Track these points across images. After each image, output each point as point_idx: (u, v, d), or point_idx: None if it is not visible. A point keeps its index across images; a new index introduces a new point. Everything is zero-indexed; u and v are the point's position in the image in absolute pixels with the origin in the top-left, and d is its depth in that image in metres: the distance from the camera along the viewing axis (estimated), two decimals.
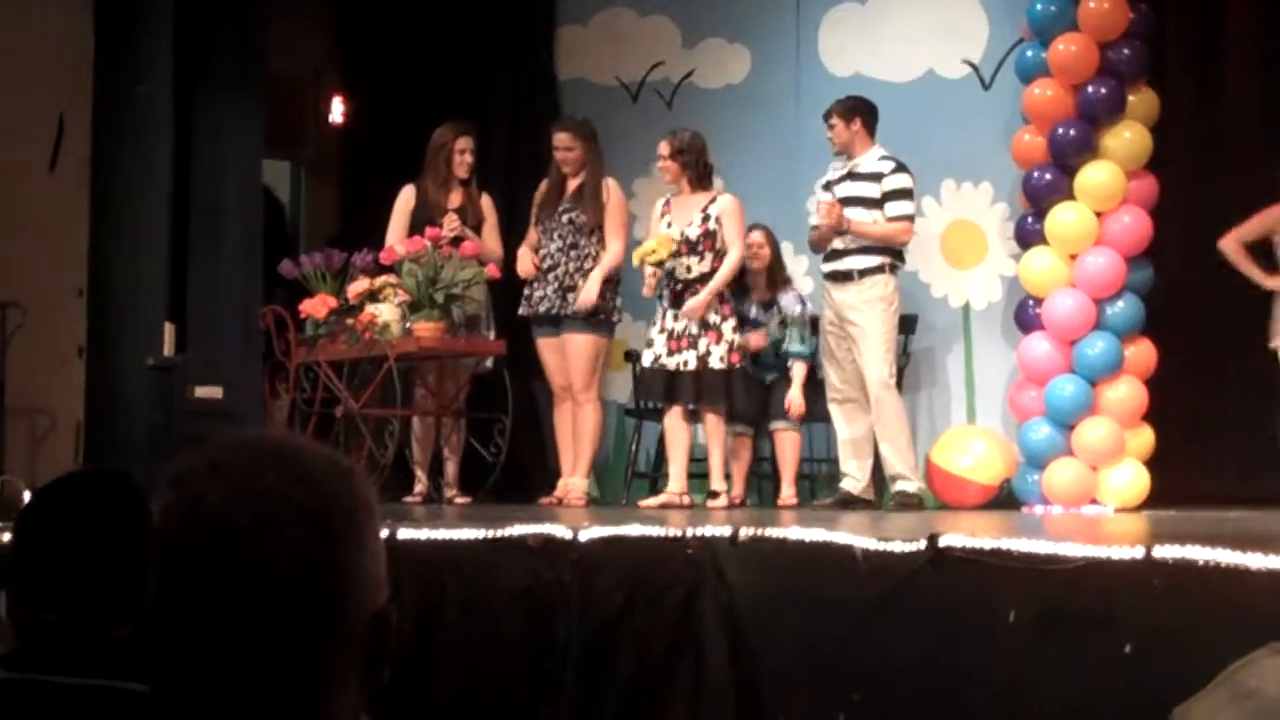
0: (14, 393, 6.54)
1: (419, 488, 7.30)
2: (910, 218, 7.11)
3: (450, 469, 7.37)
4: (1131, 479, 7.09)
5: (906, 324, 7.44)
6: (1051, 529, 5.44)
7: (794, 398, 7.20)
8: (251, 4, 7.58)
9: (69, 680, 1.99)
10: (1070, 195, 7.21)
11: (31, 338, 6.55)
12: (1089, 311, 7.13)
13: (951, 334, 7.96)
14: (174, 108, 7.13)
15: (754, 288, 7.37)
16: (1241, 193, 7.21)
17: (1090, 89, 7.17)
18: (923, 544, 3.94)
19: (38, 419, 6.76)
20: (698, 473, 7.10)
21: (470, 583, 4.28)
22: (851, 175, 7.12)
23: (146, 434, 6.55)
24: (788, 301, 7.38)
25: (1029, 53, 7.46)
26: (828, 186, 7.21)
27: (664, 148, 7.07)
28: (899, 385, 7.19)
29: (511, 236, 7.59)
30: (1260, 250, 6.96)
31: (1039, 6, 7.33)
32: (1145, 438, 7.19)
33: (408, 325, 6.96)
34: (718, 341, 6.88)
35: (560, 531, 4.33)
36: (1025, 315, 7.39)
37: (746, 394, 7.00)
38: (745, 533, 4.26)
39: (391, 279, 7.04)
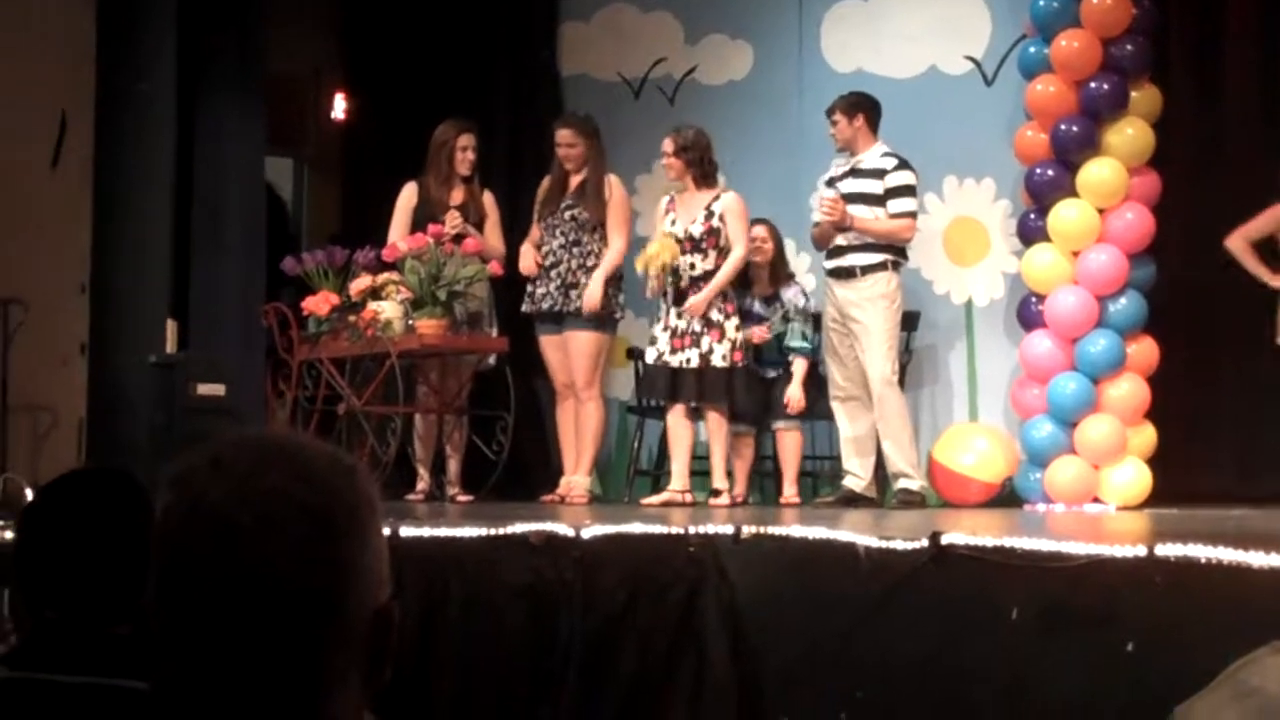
0: (16, 390, 6.54)
1: (421, 485, 7.30)
2: (913, 214, 7.10)
3: (452, 467, 7.37)
4: (1133, 477, 7.09)
5: (909, 321, 7.43)
6: (1054, 527, 5.44)
7: (793, 393, 7.20)
8: (253, 2, 7.58)
9: (70, 679, 1.99)
10: (1072, 192, 7.20)
11: (34, 335, 6.55)
12: (1091, 309, 7.13)
13: (954, 331, 7.96)
14: (176, 106, 7.13)
15: (757, 282, 7.37)
16: (1243, 190, 7.21)
17: (1093, 85, 7.17)
18: (925, 542, 3.94)
19: (40, 417, 6.76)
20: (700, 470, 7.10)
21: (472, 580, 4.28)
22: (854, 172, 7.12)
23: (149, 432, 6.55)
24: (790, 296, 7.37)
25: (1031, 49, 7.46)
26: (830, 183, 7.21)
27: (668, 145, 7.07)
28: (901, 382, 7.19)
29: (514, 233, 7.59)
30: (1266, 248, 6.94)
31: (1041, 2, 7.33)
32: (1147, 436, 7.19)
33: (410, 322, 6.96)
34: (720, 340, 6.88)
35: (562, 529, 4.33)
36: (1027, 312, 7.39)
37: (748, 392, 7.00)
38: (747, 530, 4.26)
39: (394, 276, 7.04)
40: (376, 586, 1.26)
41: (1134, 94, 7.22)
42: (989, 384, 7.84)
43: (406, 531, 4.39)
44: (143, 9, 7.04)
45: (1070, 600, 3.71)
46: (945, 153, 7.81)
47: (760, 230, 7.32)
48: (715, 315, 6.91)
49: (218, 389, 6.61)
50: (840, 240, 7.06)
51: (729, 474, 7.06)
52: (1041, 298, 7.28)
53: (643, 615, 4.15)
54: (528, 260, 7.33)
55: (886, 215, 7.03)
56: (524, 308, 7.35)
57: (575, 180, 7.26)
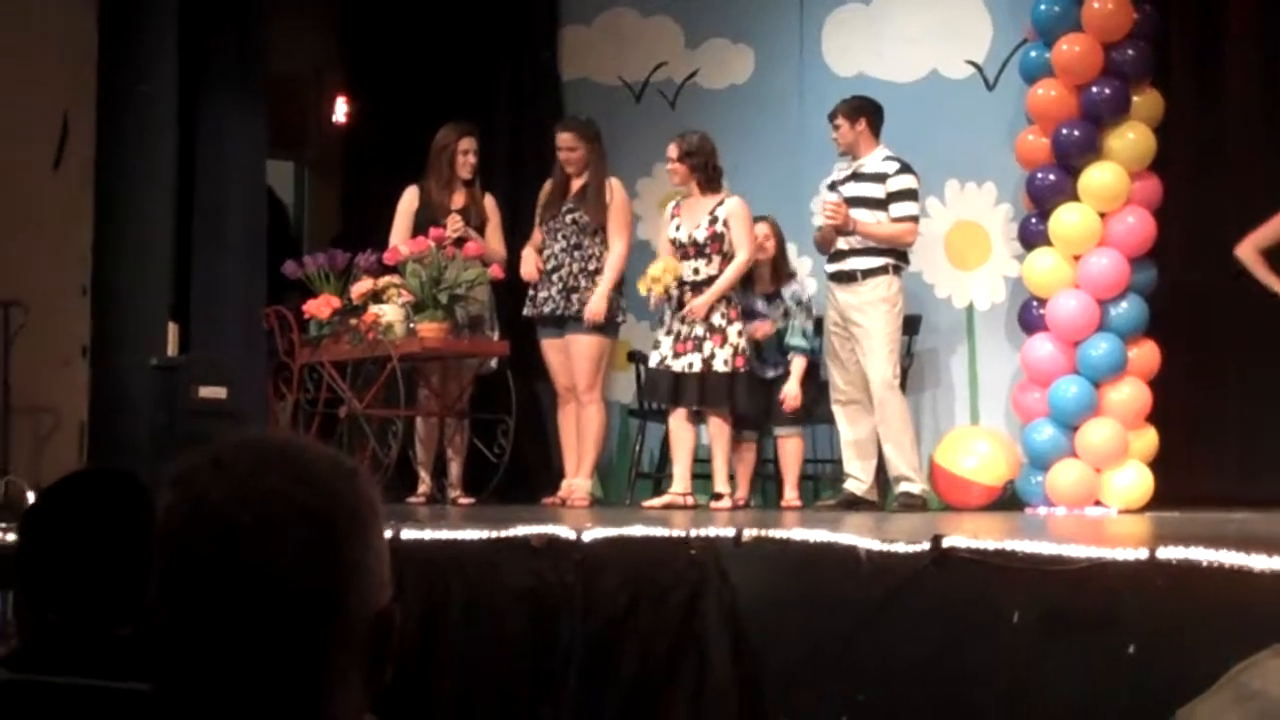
0: (18, 392, 6.54)
1: (422, 488, 7.30)
2: (915, 218, 7.10)
3: (454, 470, 7.37)
4: (1135, 480, 7.09)
5: (910, 325, 7.43)
6: (1055, 530, 5.43)
7: (790, 390, 7.18)
8: (254, 4, 7.59)
9: (71, 680, 1.99)
10: (1074, 196, 7.20)
11: (35, 337, 6.55)
12: (1092, 312, 7.12)
13: (955, 335, 7.96)
14: (177, 107, 7.14)
15: (759, 280, 7.35)
16: (1244, 193, 7.21)
17: (1094, 89, 7.17)
18: (926, 545, 3.94)
19: (42, 418, 6.76)
20: (701, 474, 7.10)
21: (474, 583, 4.28)
22: (856, 176, 7.12)
23: (150, 434, 6.55)
24: (791, 292, 7.36)
25: (1033, 53, 7.46)
26: (833, 187, 7.21)
27: (673, 150, 7.07)
28: (903, 386, 7.19)
29: (515, 237, 7.60)
30: (1275, 255, 6.89)
31: (1043, 7, 7.33)
32: (1149, 439, 7.18)
33: (411, 326, 6.96)
34: (722, 344, 6.87)
35: (564, 532, 4.33)
36: (1029, 316, 7.39)
37: (750, 397, 6.99)
38: (749, 533, 4.26)
39: (395, 279, 7.05)
40: (378, 588, 1.26)
41: (1135, 98, 7.22)
42: (990, 387, 7.84)
43: (408, 534, 4.39)
44: (144, 10, 7.04)
45: (1071, 603, 3.71)
46: (946, 157, 7.81)
47: (763, 228, 7.31)
48: (718, 320, 6.91)
49: (219, 391, 6.61)
50: (842, 244, 7.06)
51: (731, 477, 7.05)
52: (1043, 301, 7.28)
53: (644, 618, 4.15)
54: (529, 265, 7.33)
55: (888, 219, 7.03)
56: (525, 311, 7.35)
57: (576, 184, 7.26)
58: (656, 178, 8.22)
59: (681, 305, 6.95)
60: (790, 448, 7.26)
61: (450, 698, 4.19)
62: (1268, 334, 7.01)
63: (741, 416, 7.08)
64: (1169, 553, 3.63)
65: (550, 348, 7.31)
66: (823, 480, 7.68)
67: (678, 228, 7.04)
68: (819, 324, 7.34)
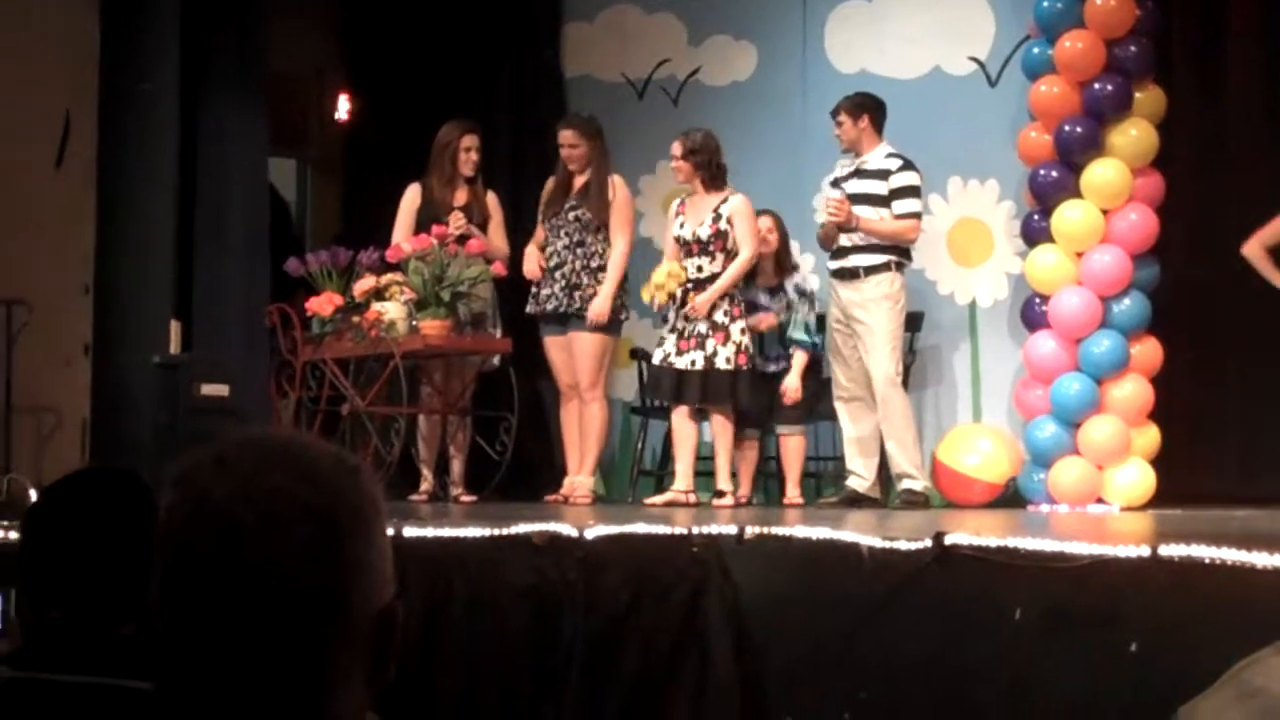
0: (20, 391, 6.55)
1: (425, 486, 7.30)
2: (918, 215, 7.10)
3: (456, 467, 7.38)
4: (1137, 477, 7.09)
5: (913, 321, 7.43)
6: (1057, 527, 5.44)
7: (790, 383, 7.17)
8: (255, 3, 7.59)
9: (73, 679, 1.99)
10: (1076, 193, 7.20)
11: (37, 336, 6.56)
12: (1095, 310, 7.12)
13: (958, 332, 7.96)
14: (179, 106, 7.14)
15: (761, 273, 7.34)
16: (1246, 190, 7.21)
17: (1097, 86, 7.17)
18: (928, 542, 3.94)
19: (44, 417, 6.77)
20: (704, 471, 7.10)
21: (476, 580, 4.28)
22: (859, 172, 7.12)
23: (152, 432, 6.56)
24: (794, 286, 7.35)
25: (1035, 50, 7.46)
26: (835, 184, 7.21)
27: (676, 148, 7.07)
28: (905, 383, 7.19)
29: (517, 234, 7.60)
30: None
31: (1045, 4, 7.33)
32: (1151, 436, 7.18)
33: (414, 323, 6.97)
34: (725, 342, 6.87)
35: (566, 529, 4.33)
36: (1031, 313, 7.39)
37: (753, 395, 6.98)
38: (751, 531, 4.26)
39: (397, 277, 7.05)
40: (380, 586, 1.26)
41: (1138, 95, 7.22)
42: (993, 384, 7.84)
43: (410, 532, 4.39)
44: (146, 10, 7.05)
45: (1074, 601, 3.71)
46: (949, 154, 7.81)
47: (766, 221, 7.31)
48: (721, 318, 6.91)
49: (221, 389, 6.62)
50: (844, 241, 7.06)
51: (733, 475, 7.05)
52: (1045, 298, 7.28)
53: (646, 615, 4.15)
54: (531, 263, 7.33)
55: (891, 216, 7.03)
56: (528, 309, 7.35)
57: (579, 181, 7.27)
58: (659, 175, 8.23)
59: (685, 303, 6.95)
60: (792, 446, 7.26)
61: (453, 695, 4.20)
62: (1270, 331, 7.01)
63: (744, 414, 7.08)
64: (1171, 550, 3.62)
65: (553, 345, 7.32)
66: (825, 477, 7.68)
67: (682, 225, 7.04)
68: (821, 321, 7.34)
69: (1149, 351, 7.22)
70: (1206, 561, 3.57)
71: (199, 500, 1.22)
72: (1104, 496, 7.08)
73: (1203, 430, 7.46)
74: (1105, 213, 7.17)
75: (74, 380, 6.85)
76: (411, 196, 7.48)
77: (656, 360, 7.07)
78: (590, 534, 4.30)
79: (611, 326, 7.22)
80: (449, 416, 7.35)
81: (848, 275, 7.06)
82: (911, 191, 7.06)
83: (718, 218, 6.96)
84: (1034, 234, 7.39)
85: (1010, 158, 7.61)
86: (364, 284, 7.03)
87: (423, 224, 7.26)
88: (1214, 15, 7.64)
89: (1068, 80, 7.23)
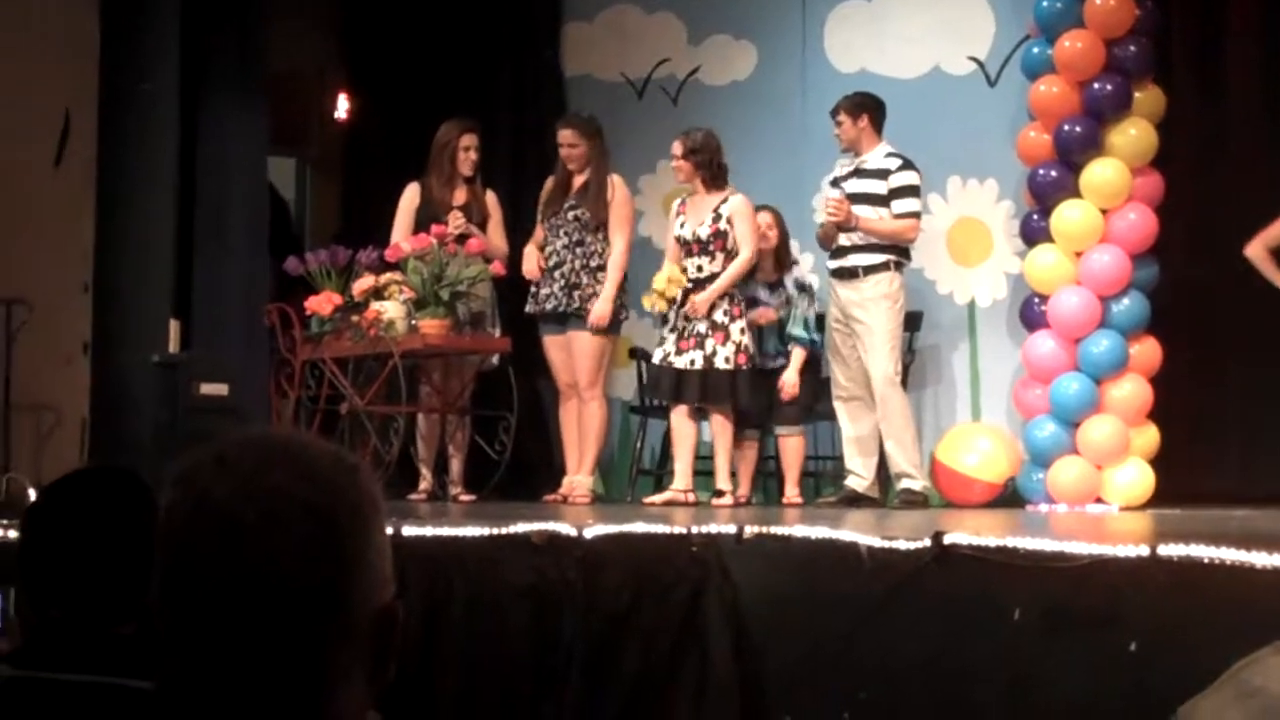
0: (20, 389, 6.55)
1: (424, 485, 7.30)
2: (917, 215, 7.10)
3: (455, 466, 7.38)
4: (1136, 477, 7.09)
5: (912, 321, 7.43)
6: (1056, 527, 5.44)
7: (788, 378, 7.16)
8: (255, 2, 7.59)
9: (74, 677, 1.99)
10: (1076, 192, 7.20)
11: (37, 334, 6.56)
12: (1094, 309, 7.12)
13: (957, 331, 7.96)
14: (179, 106, 7.14)
15: (760, 269, 7.33)
16: (1246, 190, 7.21)
17: (1096, 86, 7.17)
18: (928, 542, 3.94)
19: (43, 416, 6.77)
20: (703, 471, 7.10)
21: (475, 580, 4.28)
22: (858, 172, 7.12)
23: (152, 431, 6.56)
24: (793, 281, 7.35)
25: (1035, 49, 7.46)
26: (835, 183, 7.21)
27: (677, 148, 7.07)
28: (904, 382, 7.19)
29: (517, 233, 7.60)
30: None
31: (1045, 3, 7.33)
32: (1150, 436, 7.18)
33: (413, 322, 6.96)
34: (724, 342, 6.88)
35: (565, 529, 4.33)
36: (1030, 313, 7.39)
37: (752, 394, 6.98)
38: (750, 530, 4.26)
39: (397, 276, 7.05)
40: (380, 585, 1.26)
41: (1137, 94, 7.22)
42: (992, 384, 7.84)
43: (409, 531, 4.39)
44: (146, 9, 7.05)
45: (1073, 600, 3.71)
46: (948, 153, 7.81)
47: (765, 217, 7.31)
48: (720, 318, 6.91)
49: (221, 388, 6.62)
50: (844, 240, 7.06)
51: (732, 475, 7.05)
52: (1044, 298, 7.28)
53: (645, 615, 4.14)
54: (531, 263, 7.33)
55: (890, 215, 7.03)
56: (528, 308, 7.35)
57: (578, 181, 7.26)
58: (659, 174, 8.23)
59: (685, 303, 6.95)
60: (792, 446, 7.26)
61: (452, 695, 4.19)
62: (1270, 331, 7.01)
63: (743, 414, 7.08)
64: (1170, 550, 3.62)
65: (552, 344, 7.31)
66: (824, 477, 7.68)
67: (682, 225, 7.04)
68: (821, 319, 7.34)
69: (1148, 351, 7.22)
70: (1206, 561, 3.57)
71: (199, 499, 1.22)
72: (1103, 496, 7.08)
73: (1202, 430, 7.46)
74: (1104, 212, 7.17)
75: (73, 379, 6.85)
76: (411, 196, 7.48)
77: (656, 360, 7.07)
78: (589, 533, 4.30)
79: (611, 326, 7.22)
80: (448, 416, 7.35)
81: (847, 275, 7.06)
82: (911, 191, 7.06)
83: (717, 217, 6.96)
84: (1033, 234, 7.39)
85: (1009, 157, 7.61)
86: (363, 283, 7.03)
87: (422, 223, 7.26)
88: (1214, 15, 7.64)
89: (1067, 80, 7.24)
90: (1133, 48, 7.20)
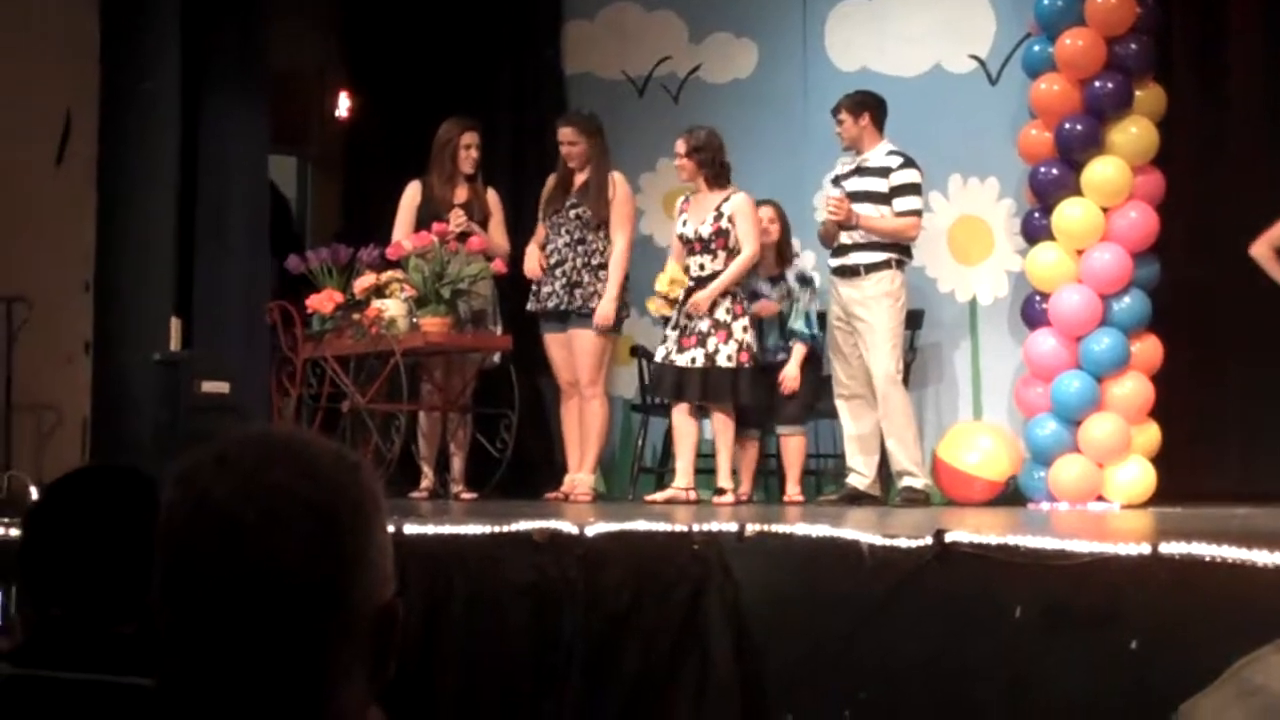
0: (20, 388, 6.55)
1: (425, 483, 7.30)
2: (918, 213, 7.10)
3: (456, 464, 7.38)
4: (1138, 475, 7.09)
5: (913, 319, 7.43)
6: (1057, 525, 5.44)
7: (789, 373, 7.16)
8: (256, 1, 7.58)
9: (74, 676, 1.99)
10: (1077, 191, 7.20)
11: (38, 333, 6.56)
12: (1095, 307, 7.12)
13: (958, 329, 7.96)
14: (180, 105, 7.14)
15: (762, 263, 7.33)
16: (1247, 188, 7.21)
17: (1097, 84, 7.17)
18: (929, 540, 3.93)
19: (44, 415, 6.77)
20: (705, 469, 7.10)
21: (476, 578, 4.28)
22: (860, 170, 7.12)
23: (153, 429, 6.56)
24: (796, 274, 7.35)
25: (1036, 48, 7.46)
26: (836, 181, 7.21)
27: (680, 146, 7.07)
28: (905, 381, 7.19)
29: (518, 231, 7.60)
30: None
31: (1046, 1, 7.33)
32: (1151, 434, 7.18)
33: (414, 320, 6.97)
34: (727, 340, 6.88)
35: (566, 527, 4.33)
36: (1032, 311, 7.39)
37: (754, 394, 6.98)
38: (751, 528, 4.26)
39: (398, 274, 7.05)
40: (381, 583, 1.26)
41: (1138, 92, 7.22)
42: (993, 382, 7.84)
43: (411, 529, 4.39)
44: (146, 8, 7.04)
45: (1074, 599, 3.71)
46: (950, 151, 7.81)
47: (767, 211, 7.32)
48: (723, 316, 6.91)
49: (222, 386, 6.61)
50: (845, 239, 7.06)
51: (733, 473, 7.05)
52: (1046, 296, 7.28)
53: (646, 613, 4.14)
54: (532, 263, 7.33)
55: (892, 214, 7.03)
56: (529, 306, 7.35)
57: (579, 179, 7.26)
58: (660, 172, 8.23)
59: (687, 301, 6.95)
60: (793, 446, 7.26)
61: (453, 693, 4.20)
62: (1271, 330, 7.01)
63: (745, 414, 7.07)
64: (1171, 548, 3.62)
65: (553, 342, 7.31)
66: (825, 475, 7.68)
67: (685, 223, 7.05)
68: (822, 317, 7.34)
69: (1149, 349, 7.22)
70: (1207, 559, 3.57)
71: (200, 497, 1.22)
72: (1104, 494, 7.08)
73: (1203, 428, 7.46)
74: (1105, 211, 7.17)
75: (74, 378, 6.85)
76: (412, 194, 7.48)
77: (659, 358, 7.08)
78: (591, 531, 4.30)
79: (613, 325, 7.22)
80: (449, 414, 7.35)
81: (848, 273, 7.06)
82: (912, 189, 7.06)
83: (719, 216, 6.96)
84: (1034, 232, 7.39)
85: (1011, 155, 7.61)
86: (364, 281, 7.03)
87: (423, 221, 7.26)
88: (1215, 13, 7.64)
89: (1068, 78, 7.23)
90: (1134, 46, 7.19)
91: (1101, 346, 7.10)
